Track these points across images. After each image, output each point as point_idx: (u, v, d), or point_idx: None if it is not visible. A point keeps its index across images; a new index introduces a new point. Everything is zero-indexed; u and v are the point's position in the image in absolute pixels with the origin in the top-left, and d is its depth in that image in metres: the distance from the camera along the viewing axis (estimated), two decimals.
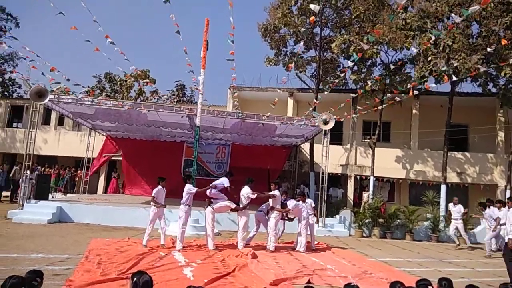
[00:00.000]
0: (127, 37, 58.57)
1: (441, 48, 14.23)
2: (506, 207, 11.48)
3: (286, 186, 17.07)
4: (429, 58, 14.45)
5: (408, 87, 14.60)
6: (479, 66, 12.70)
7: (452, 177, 18.28)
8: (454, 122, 17.28)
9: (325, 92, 14.51)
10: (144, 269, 6.15)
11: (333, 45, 15.47)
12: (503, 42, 10.97)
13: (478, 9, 10.62)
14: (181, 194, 8.74)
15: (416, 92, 12.79)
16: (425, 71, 14.51)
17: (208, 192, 8.78)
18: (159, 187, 8.73)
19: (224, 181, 9.04)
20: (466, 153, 19.21)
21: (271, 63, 18.10)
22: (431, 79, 15.75)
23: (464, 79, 15.89)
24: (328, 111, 13.37)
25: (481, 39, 14.80)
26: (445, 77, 12.73)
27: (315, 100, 15.50)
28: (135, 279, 3.58)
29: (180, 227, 8.48)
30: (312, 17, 11.73)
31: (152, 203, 8.63)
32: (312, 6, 10.02)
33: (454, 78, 12.76)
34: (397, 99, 13.61)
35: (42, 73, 11.62)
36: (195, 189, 8.79)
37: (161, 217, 8.68)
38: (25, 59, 11.38)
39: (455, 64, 13.41)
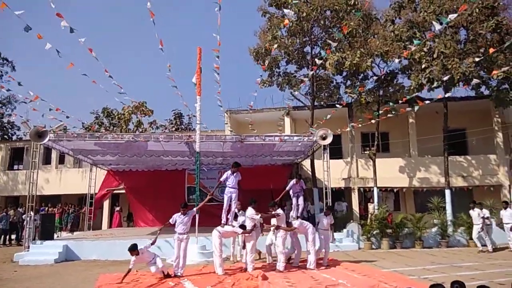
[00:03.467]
0: (121, 69, 59.47)
1: (435, 55, 14.51)
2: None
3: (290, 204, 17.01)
4: (423, 66, 14.70)
5: (401, 97, 14.88)
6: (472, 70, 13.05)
7: (457, 181, 18.25)
8: (451, 127, 17.38)
9: (327, 116, 14.65)
10: None
11: (327, 63, 15.74)
12: (491, 50, 11.27)
13: (457, 16, 11.03)
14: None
15: (415, 105, 12.94)
16: (422, 79, 14.73)
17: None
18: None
19: (225, 173, 9.96)
20: (468, 156, 19.24)
21: (265, 84, 18.38)
22: (425, 89, 15.99)
23: (457, 84, 16.13)
24: (320, 122, 13.50)
25: (469, 43, 15.12)
26: (439, 84, 13.02)
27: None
28: None
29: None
30: (286, 21, 12.11)
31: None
32: (286, 11, 10.61)
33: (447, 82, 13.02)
34: (391, 104, 13.80)
35: (42, 115, 11.91)
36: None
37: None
38: (25, 102, 11.64)
39: (448, 68, 13.70)
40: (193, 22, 73.27)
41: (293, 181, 11.29)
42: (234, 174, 9.97)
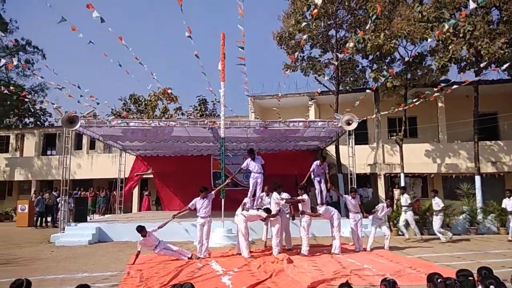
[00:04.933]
0: (146, 55, 60.22)
1: (461, 35, 14.00)
2: None
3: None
4: (449, 47, 14.23)
5: (429, 80, 14.41)
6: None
7: (487, 167, 17.72)
8: (482, 111, 16.79)
9: (356, 103, 14.44)
10: (184, 281, 6.39)
11: (347, 45, 15.43)
12: None
13: None
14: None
15: (442, 91, 12.55)
16: (445, 60, 14.28)
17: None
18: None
19: (246, 161, 10.26)
20: (499, 142, 18.61)
21: (289, 70, 18.21)
22: (453, 69, 15.48)
23: (489, 66, 15.51)
24: (348, 110, 13.34)
25: (502, 24, 14.47)
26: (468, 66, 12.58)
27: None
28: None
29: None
30: (315, 10, 11.78)
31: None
32: None
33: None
34: (427, 92, 13.39)
35: (78, 101, 12.51)
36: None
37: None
38: (60, 89, 12.11)
39: (478, 49, 13.21)
40: (216, 7, 73.07)
41: (317, 162, 11.14)
42: (255, 159, 10.06)
